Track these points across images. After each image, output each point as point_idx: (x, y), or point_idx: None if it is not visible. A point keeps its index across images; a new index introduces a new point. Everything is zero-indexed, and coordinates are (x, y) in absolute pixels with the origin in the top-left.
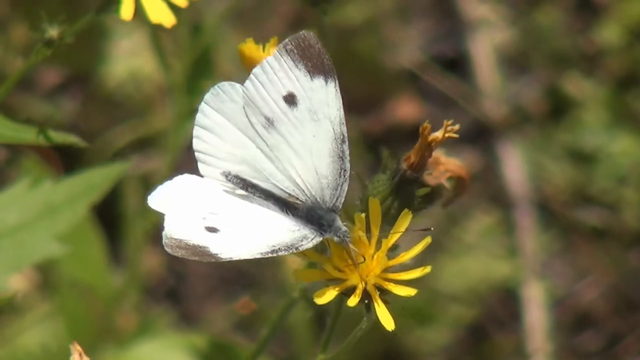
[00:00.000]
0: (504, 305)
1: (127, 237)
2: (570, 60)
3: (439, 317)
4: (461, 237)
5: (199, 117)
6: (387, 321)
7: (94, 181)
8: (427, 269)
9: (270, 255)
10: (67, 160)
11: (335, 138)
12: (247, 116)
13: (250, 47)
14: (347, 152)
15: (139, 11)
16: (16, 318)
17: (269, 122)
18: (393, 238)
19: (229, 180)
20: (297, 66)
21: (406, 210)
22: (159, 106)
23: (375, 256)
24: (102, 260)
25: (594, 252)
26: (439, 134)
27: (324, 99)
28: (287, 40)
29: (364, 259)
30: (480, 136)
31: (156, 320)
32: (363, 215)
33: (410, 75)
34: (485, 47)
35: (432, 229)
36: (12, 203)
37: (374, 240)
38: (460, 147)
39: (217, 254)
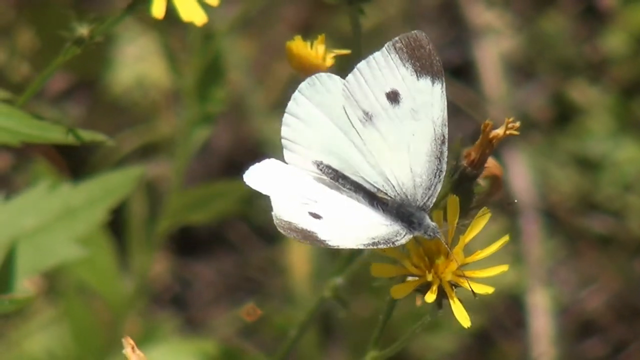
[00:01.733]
0: (509, 312)
1: (133, 243)
2: (575, 68)
3: (444, 324)
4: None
5: (291, 105)
6: (463, 318)
7: (112, 185)
8: (505, 267)
9: (371, 247)
10: (72, 166)
11: (435, 138)
12: (343, 108)
13: (298, 45)
14: (446, 153)
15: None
16: (22, 323)
17: (367, 117)
18: (470, 235)
19: (320, 170)
20: (404, 65)
21: (485, 208)
22: (164, 112)
23: (452, 253)
24: (113, 267)
25: (599, 259)
26: (500, 131)
27: (429, 100)
28: (397, 38)
29: (446, 256)
30: None
31: (161, 326)
32: (440, 212)
33: None
34: (491, 54)
35: (516, 201)
36: (29, 207)
37: (450, 237)
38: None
39: (325, 241)
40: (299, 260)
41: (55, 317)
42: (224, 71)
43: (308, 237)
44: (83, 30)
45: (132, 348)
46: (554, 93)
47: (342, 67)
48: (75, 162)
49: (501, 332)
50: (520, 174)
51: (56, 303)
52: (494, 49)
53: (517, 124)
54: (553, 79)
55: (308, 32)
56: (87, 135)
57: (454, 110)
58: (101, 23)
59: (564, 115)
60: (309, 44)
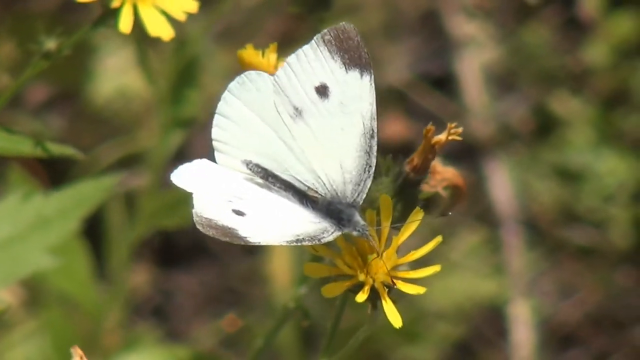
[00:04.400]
0: (490, 323)
1: (112, 253)
2: (557, 79)
3: (425, 335)
4: (448, 256)
5: (220, 105)
6: (395, 318)
7: (84, 194)
8: (437, 268)
9: (295, 244)
10: (53, 176)
11: (364, 133)
12: (274, 105)
13: (249, 53)
14: (375, 147)
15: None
16: (3, 334)
17: (297, 112)
18: (403, 236)
19: (250, 169)
20: (333, 57)
21: (418, 208)
22: (146, 123)
23: (385, 253)
24: (88, 275)
25: (580, 270)
26: (442, 137)
27: (357, 92)
28: (325, 30)
29: (378, 255)
30: (467, 154)
31: (142, 337)
32: (374, 212)
33: (398, 94)
34: (473, 65)
35: (450, 213)
36: (3, 216)
37: (383, 238)
38: (447, 164)
39: (246, 237)
40: (280, 271)
41: (36, 329)
42: (198, 75)
43: (228, 234)
44: (51, 44)
45: (80, 358)
46: (536, 104)
47: None
48: (56, 173)
49: (482, 343)
50: (502, 185)
51: (37, 314)
52: (475, 61)
53: (460, 129)
54: (534, 91)
55: (288, 43)
56: (57, 148)
57: (435, 122)
58: (69, 37)
59: (545, 127)
60: (260, 52)
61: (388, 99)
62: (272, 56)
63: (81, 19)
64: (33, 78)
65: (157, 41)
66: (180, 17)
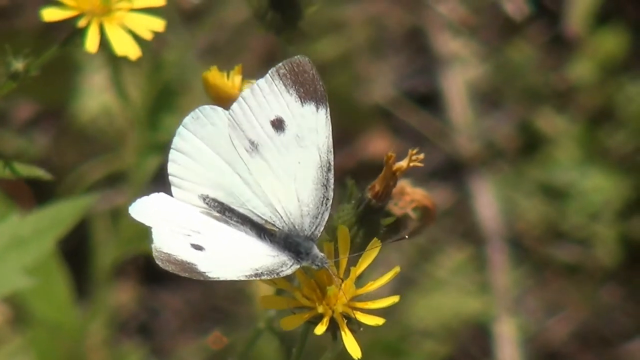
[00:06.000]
0: (476, 341)
1: (95, 271)
2: (542, 97)
3: (411, 352)
4: (433, 273)
5: (176, 140)
6: (354, 350)
7: (61, 214)
8: (396, 299)
9: (254, 278)
10: (39, 195)
11: (321, 166)
12: (229, 139)
13: (214, 75)
14: (332, 180)
15: (104, 45)
16: None
17: (253, 147)
18: (361, 267)
19: (207, 204)
20: (288, 91)
21: (375, 239)
22: (131, 141)
23: (343, 285)
24: (67, 296)
25: (565, 288)
26: (403, 163)
27: (313, 126)
28: (280, 64)
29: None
30: (452, 172)
31: (127, 354)
32: (332, 245)
33: (383, 111)
34: (458, 83)
35: (406, 237)
36: None
37: (342, 269)
38: (432, 182)
39: (205, 273)
40: (264, 288)
41: (21, 347)
42: (175, 99)
43: (187, 269)
44: (18, 64)
45: None
46: (521, 122)
47: None
48: (42, 191)
49: None
50: (487, 202)
51: (22, 332)
52: (460, 78)
53: (421, 156)
54: (519, 108)
55: (273, 61)
56: (25, 169)
57: (420, 139)
58: (37, 57)
59: (531, 144)
60: (225, 74)
61: (373, 116)
62: (237, 78)
63: (59, 36)
64: (9, 99)
65: (135, 61)
66: (147, 35)
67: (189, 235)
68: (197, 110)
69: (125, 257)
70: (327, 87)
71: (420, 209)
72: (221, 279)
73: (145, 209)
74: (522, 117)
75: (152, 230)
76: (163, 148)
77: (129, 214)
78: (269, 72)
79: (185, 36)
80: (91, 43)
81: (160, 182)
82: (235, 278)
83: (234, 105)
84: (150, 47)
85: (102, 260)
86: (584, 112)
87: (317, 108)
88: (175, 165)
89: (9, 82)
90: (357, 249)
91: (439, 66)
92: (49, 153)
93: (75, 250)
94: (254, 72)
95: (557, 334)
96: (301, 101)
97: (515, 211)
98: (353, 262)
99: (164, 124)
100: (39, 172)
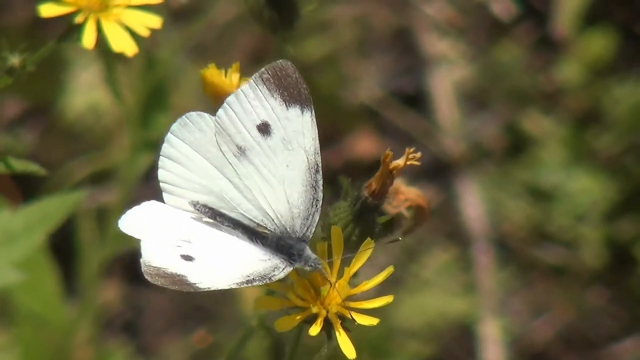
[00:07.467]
0: (460, 342)
1: (81, 269)
2: (529, 98)
3: (396, 352)
4: (419, 274)
5: (164, 147)
6: (348, 349)
7: (50, 210)
8: (389, 299)
9: (245, 285)
10: (26, 192)
11: (309, 168)
12: (217, 145)
13: (212, 73)
14: (321, 181)
15: (98, 41)
16: None
17: (241, 151)
18: (355, 266)
19: (197, 210)
20: (272, 95)
21: (369, 239)
22: (118, 139)
23: (337, 285)
24: (56, 292)
25: (551, 290)
26: (400, 162)
27: (299, 128)
28: (263, 69)
29: (331, 287)
30: (438, 172)
31: (113, 352)
32: (325, 244)
33: (370, 111)
34: (445, 83)
35: (400, 238)
36: None
37: (335, 269)
38: (418, 183)
39: (195, 284)
40: (252, 289)
41: (7, 343)
42: (167, 97)
43: (177, 282)
44: (15, 60)
45: None
46: (507, 123)
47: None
48: (29, 189)
49: None
50: (473, 203)
51: (8, 329)
52: (447, 78)
53: (418, 154)
54: (506, 109)
55: (262, 59)
56: (19, 164)
57: (407, 140)
58: (33, 53)
59: (517, 145)
60: (223, 72)
61: (359, 116)
62: (234, 76)
63: (55, 34)
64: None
65: (127, 58)
66: (144, 32)
67: (179, 246)
68: (184, 116)
69: (113, 253)
70: (313, 87)
71: (414, 207)
72: (212, 289)
73: (135, 221)
74: (508, 118)
75: (141, 244)
76: (155, 146)
77: (119, 227)
78: (253, 77)
79: (174, 35)
80: (88, 39)
81: (151, 180)
82: (226, 287)
83: (220, 111)
84: (144, 45)
85: (90, 259)
86: (570, 114)
87: (302, 111)
88: (165, 172)
89: (5, 78)
90: (353, 247)
91: (426, 66)
92: (36, 150)
93: (59, 248)
94: (243, 71)
95: (542, 335)
96: (286, 105)
97: (501, 212)
98: (346, 262)
99: (156, 122)
100: (33, 167)
